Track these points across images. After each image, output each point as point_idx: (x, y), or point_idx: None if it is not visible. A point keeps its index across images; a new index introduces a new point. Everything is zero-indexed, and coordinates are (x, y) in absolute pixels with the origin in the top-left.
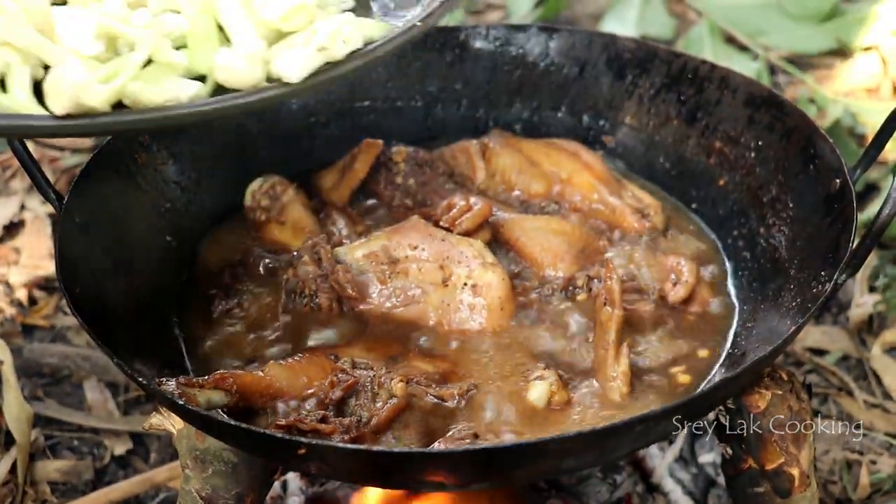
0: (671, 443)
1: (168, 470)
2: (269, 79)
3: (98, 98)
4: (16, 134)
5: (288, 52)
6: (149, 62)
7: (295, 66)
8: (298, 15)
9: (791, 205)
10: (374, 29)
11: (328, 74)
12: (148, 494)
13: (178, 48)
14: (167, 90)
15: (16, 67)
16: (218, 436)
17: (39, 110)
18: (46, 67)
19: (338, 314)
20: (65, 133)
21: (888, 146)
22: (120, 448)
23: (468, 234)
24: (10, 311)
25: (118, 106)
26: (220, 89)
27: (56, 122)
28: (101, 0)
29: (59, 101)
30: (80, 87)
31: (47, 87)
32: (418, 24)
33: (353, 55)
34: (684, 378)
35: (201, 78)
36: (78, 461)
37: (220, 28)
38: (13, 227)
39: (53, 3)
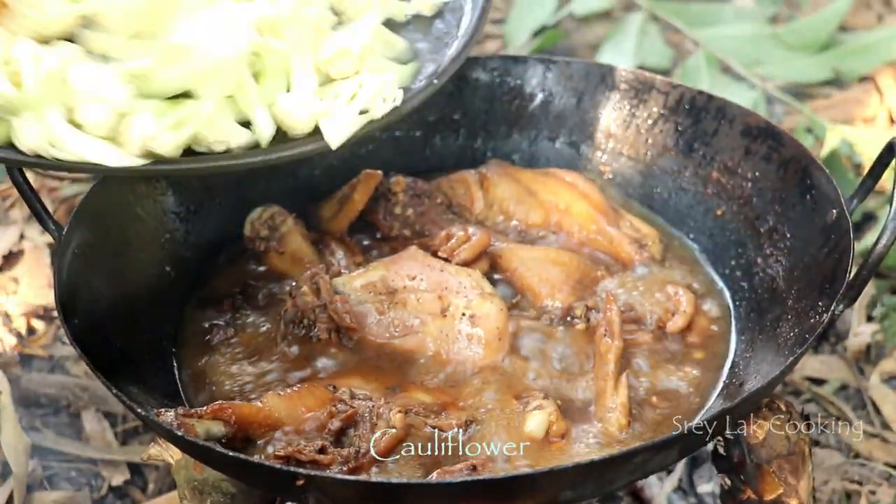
0: (670, 473)
1: (166, 500)
2: None
3: (166, 148)
4: (82, 171)
5: (331, 105)
6: None
7: (336, 132)
8: (343, 59)
9: (788, 235)
10: (405, 75)
11: (362, 131)
12: None
13: None
14: (223, 134)
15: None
16: (216, 467)
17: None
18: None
19: (336, 344)
20: (128, 174)
21: (885, 175)
22: (118, 478)
23: (466, 264)
24: (9, 340)
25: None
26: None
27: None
28: None
29: (129, 148)
30: (150, 138)
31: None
32: (434, 81)
33: None
34: (683, 408)
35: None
36: (75, 492)
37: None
38: (12, 257)
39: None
